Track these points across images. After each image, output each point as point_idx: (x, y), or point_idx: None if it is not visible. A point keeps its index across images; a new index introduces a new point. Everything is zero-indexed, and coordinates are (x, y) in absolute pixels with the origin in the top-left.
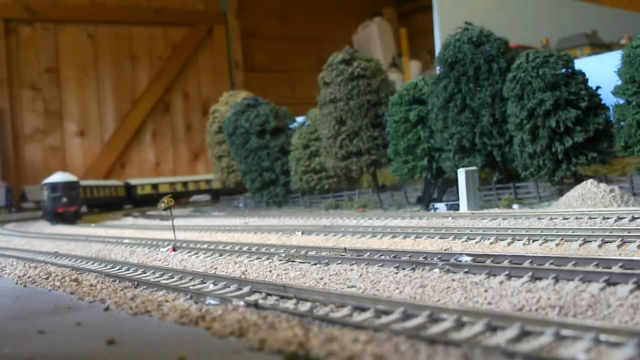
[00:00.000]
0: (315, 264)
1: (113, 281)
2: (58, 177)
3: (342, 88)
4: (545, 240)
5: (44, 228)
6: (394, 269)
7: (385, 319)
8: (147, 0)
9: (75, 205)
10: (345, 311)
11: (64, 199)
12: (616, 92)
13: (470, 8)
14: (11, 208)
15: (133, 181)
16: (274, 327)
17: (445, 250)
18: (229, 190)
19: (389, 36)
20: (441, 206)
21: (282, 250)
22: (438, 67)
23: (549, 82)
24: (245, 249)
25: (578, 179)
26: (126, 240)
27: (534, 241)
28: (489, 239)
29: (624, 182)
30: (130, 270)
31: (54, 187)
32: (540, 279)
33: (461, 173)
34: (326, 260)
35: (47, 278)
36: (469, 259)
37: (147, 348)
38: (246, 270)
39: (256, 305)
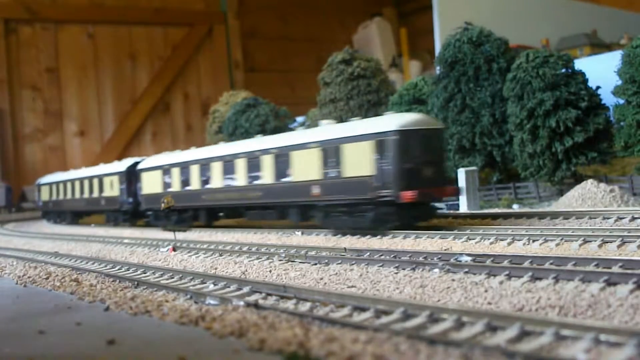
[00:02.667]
0: (315, 264)
1: (113, 281)
2: (404, 119)
3: (342, 88)
4: (545, 240)
5: (44, 228)
6: (394, 269)
7: (385, 319)
8: (147, 0)
9: (450, 184)
10: (345, 311)
11: (429, 171)
12: (616, 92)
13: (470, 8)
14: (11, 208)
15: None
16: (274, 327)
17: (445, 250)
18: None
19: (389, 36)
20: (441, 206)
21: (282, 250)
22: (438, 67)
23: (549, 82)
24: (245, 249)
25: (578, 179)
26: (126, 240)
27: (534, 241)
28: (489, 239)
29: (624, 182)
30: (130, 270)
31: (406, 137)
32: (540, 279)
33: (461, 173)
34: (326, 260)
35: (47, 278)
36: (469, 259)
37: (147, 348)
38: (246, 270)
39: (256, 305)
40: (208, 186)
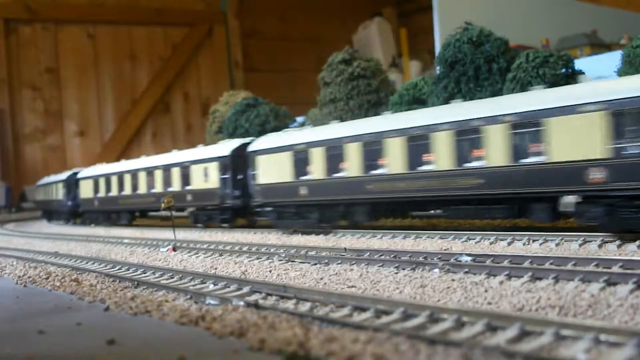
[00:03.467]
0: (315, 264)
1: (113, 281)
2: None
3: (342, 88)
4: (545, 240)
5: (44, 228)
6: (394, 269)
7: (385, 319)
8: (147, 0)
9: None
10: (345, 311)
11: None
12: None
13: (470, 8)
14: (11, 208)
15: None
16: (274, 327)
17: (445, 250)
18: None
19: (389, 36)
20: None
21: (282, 250)
22: (438, 67)
23: (549, 82)
24: (245, 249)
25: None
26: (126, 240)
27: (534, 241)
28: (489, 239)
29: None
30: (130, 270)
31: None
32: (540, 279)
33: None
34: (326, 260)
35: (47, 278)
36: (469, 259)
37: (147, 348)
38: (246, 270)
39: (256, 305)
40: (378, 172)
